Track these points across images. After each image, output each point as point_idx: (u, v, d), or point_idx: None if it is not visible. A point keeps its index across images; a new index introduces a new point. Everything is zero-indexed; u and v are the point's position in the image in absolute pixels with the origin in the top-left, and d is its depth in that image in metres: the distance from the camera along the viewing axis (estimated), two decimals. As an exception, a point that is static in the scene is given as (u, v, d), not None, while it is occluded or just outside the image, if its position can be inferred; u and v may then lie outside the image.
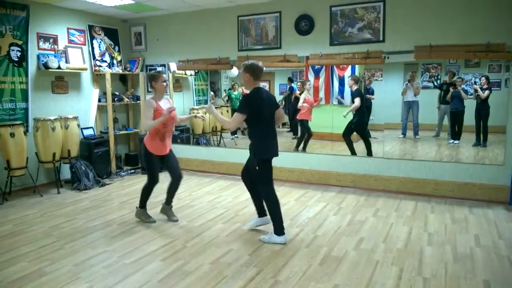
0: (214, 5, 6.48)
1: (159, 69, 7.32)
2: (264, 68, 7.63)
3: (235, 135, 8.30)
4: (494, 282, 3.11)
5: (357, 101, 6.38)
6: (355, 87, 6.43)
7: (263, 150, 3.90)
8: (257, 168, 3.91)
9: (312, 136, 6.92)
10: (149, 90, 7.41)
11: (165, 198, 4.63)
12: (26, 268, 3.43)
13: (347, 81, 6.77)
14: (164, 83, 4.30)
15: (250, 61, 3.90)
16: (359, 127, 6.48)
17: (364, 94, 7.19)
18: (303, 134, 7.02)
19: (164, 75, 4.34)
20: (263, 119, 3.87)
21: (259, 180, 3.99)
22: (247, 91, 3.99)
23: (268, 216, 4.08)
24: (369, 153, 6.22)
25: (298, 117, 7.08)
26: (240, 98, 8.65)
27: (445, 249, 3.73)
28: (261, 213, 4.26)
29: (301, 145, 6.90)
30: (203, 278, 3.21)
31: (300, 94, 7.75)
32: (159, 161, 4.44)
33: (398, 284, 3.09)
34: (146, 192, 4.52)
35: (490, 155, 6.10)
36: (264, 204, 4.08)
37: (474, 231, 4.17)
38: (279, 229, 3.92)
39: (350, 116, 6.50)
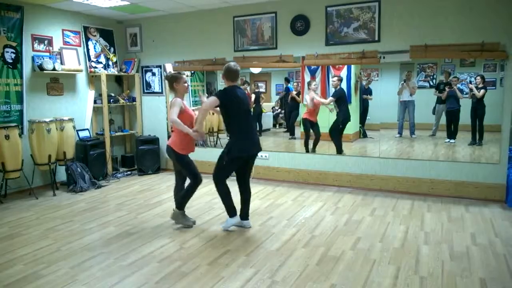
0: (210, 6, 6.47)
1: (155, 70, 7.31)
2: (261, 69, 7.69)
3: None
4: (491, 280, 3.12)
5: (328, 99, 6.64)
6: (339, 87, 6.58)
7: (238, 148, 4.05)
8: (224, 163, 4.08)
9: (318, 137, 6.78)
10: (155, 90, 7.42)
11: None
12: (23, 271, 3.41)
13: (331, 82, 6.80)
14: (186, 84, 4.32)
15: (226, 64, 4.11)
16: (340, 124, 6.56)
17: (360, 94, 7.22)
18: (306, 135, 6.89)
19: (185, 77, 4.38)
20: (238, 116, 4.03)
21: (218, 172, 4.17)
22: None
23: (249, 221, 4.41)
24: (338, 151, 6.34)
25: (304, 116, 7.03)
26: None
27: (442, 247, 3.74)
28: (243, 215, 4.38)
29: (310, 145, 6.77)
30: (200, 279, 3.20)
31: (297, 94, 7.76)
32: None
33: (395, 283, 3.09)
34: (191, 193, 4.36)
35: (486, 154, 6.12)
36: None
37: (470, 230, 4.18)
38: (230, 212, 4.25)
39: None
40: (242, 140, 4.08)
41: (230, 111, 4.04)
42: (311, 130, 6.83)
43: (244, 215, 4.35)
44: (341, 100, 6.57)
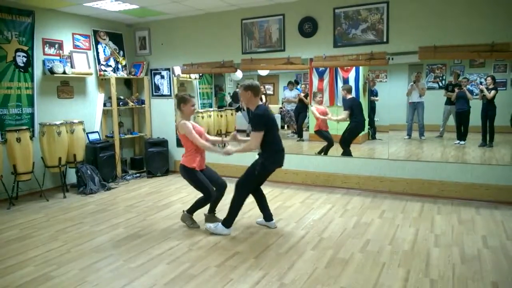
0: (218, 9, 6.49)
1: (164, 73, 7.34)
2: (268, 71, 7.69)
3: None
4: (503, 283, 3.09)
5: (344, 114, 6.54)
6: (349, 96, 6.48)
7: (272, 161, 4.15)
8: (256, 173, 4.12)
9: (332, 145, 6.67)
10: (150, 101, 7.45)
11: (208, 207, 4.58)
12: (33, 272, 3.44)
13: (340, 91, 6.74)
14: (193, 107, 4.33)
15: (248, 81, 4.16)
16: (352, 134, 6.49)
17: (369, 95, 7.19)
18: (328, 143, 6.83)
19: (194, 99, 4.39)
20: (273, 133, 4.12)
21: (246, 182, 4.23)
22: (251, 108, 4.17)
23: (274, 221, 4.45)
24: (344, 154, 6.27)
25: (315, 129, 6.94)
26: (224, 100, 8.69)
27: (452, 250, 3.70)
28: (267, 217, 4.47)
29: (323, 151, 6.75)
30: (209, 281, 3.21)
31: (305, 96, 7.76)
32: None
33: (405, 286, 3.07)
34: (202, 204, 4.39)
35: (496, 155, 6.06)
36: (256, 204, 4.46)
37: (481, 232, 4.14)
38: (229, 223, 4.26)
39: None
40: (276, 153, 4.16)
41: (266, 131, 4.06)
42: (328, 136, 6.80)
43: (266, 216, 4.46)
44: (351, 110, 6.47)
